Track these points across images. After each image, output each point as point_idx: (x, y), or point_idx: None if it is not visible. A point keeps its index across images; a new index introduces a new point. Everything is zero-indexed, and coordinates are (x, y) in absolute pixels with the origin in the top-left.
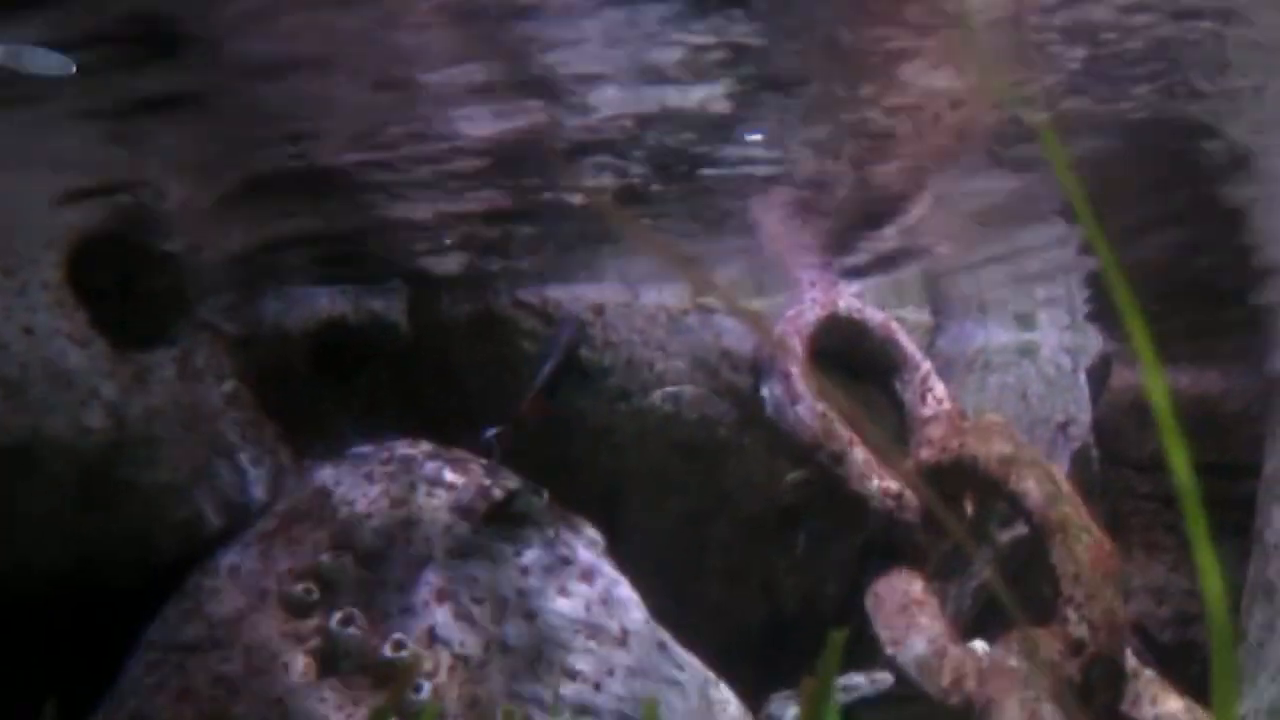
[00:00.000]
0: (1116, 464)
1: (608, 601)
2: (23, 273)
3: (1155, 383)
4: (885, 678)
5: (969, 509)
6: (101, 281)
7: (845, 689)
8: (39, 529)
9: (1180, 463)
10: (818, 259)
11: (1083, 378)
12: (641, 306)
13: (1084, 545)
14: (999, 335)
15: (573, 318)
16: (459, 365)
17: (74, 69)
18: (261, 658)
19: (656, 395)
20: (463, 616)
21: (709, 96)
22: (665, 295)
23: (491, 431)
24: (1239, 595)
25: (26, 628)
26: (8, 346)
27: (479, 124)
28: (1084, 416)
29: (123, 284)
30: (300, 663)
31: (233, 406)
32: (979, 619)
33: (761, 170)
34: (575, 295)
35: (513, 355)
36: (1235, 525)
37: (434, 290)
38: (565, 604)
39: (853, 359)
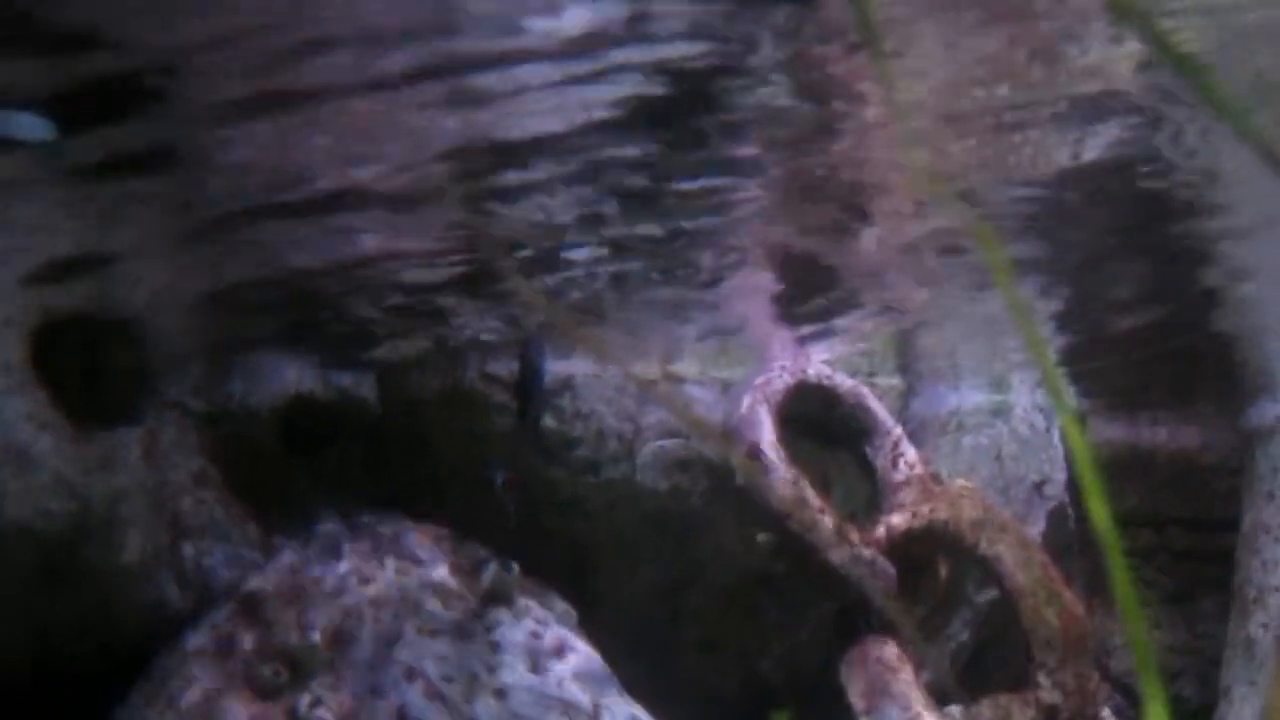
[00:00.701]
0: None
1: (581, 676)
2: None
3: (1072, 432)
4: None
5: (942, 573)
6: (65, 360)
7: None
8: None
9: (1099, 512)
10: (782, 326)
11: (1057, 436)
12: (611, 377)
13: (1055, 610)
14: (971, 397)
15: (535, 337)
16: (430, 440)
17: (56, 134)
18: None
19: (646, 450)
20: (434, 695)
21: None
22: (633, 365)
23: (501, 478)
24: (1220, 649)
25: None
26: None
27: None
28: (1059, 475)
29: (87, 362)
30: None
31: (199, 486)
32: (954, 684)
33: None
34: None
35: (483, 429)
36: (1215, 580)
37: (403, 365)
38: (537, 680)
39: (823, 425)
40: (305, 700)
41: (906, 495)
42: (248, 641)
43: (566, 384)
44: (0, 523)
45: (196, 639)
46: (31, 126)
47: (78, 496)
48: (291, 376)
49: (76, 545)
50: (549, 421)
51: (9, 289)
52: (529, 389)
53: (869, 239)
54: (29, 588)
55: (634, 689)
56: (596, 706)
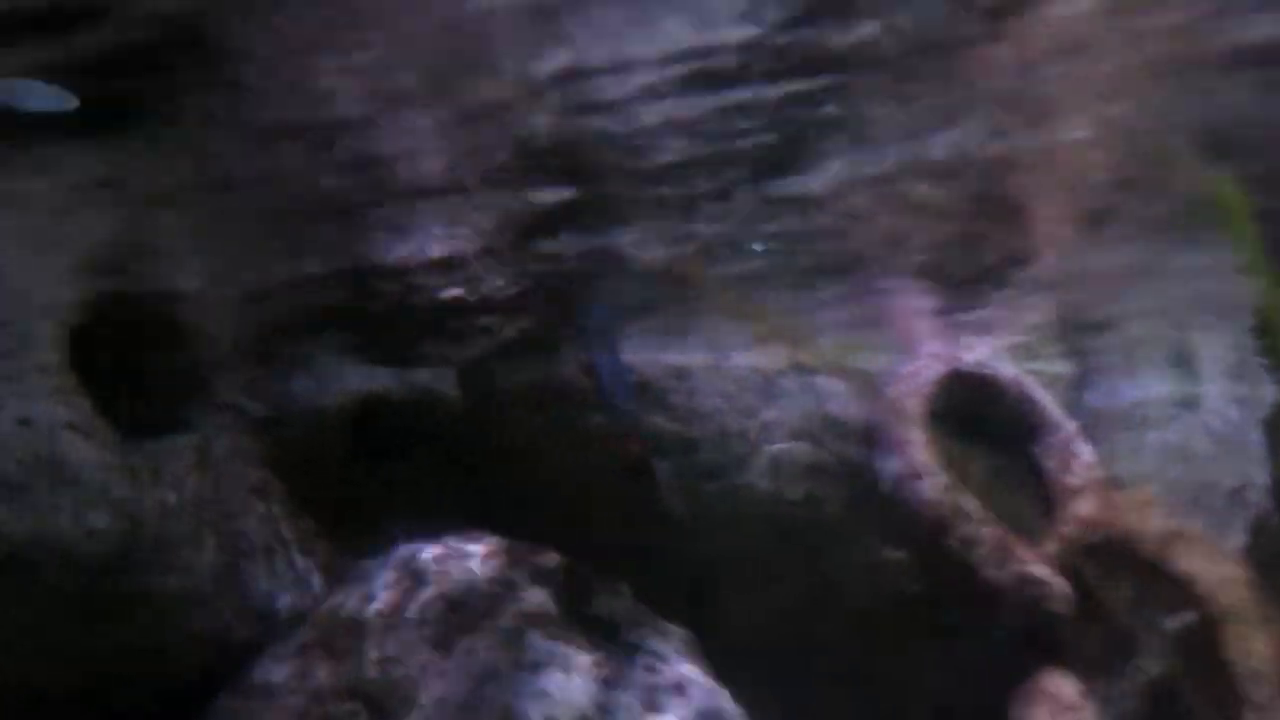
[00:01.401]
0: None
1: (703, 714)
2: (17, 356)
3: None
4: None
5: (1127, 596)
6: (107, 363)
7: None
8: (38, 646)
9: None
10: (934, 308)
11: (1257, 432)
12: (731, 369)
13: (1264, 637)
14: (1154, 386)
15: (598, 306)
16: (519, 443)
17: (75, 103)
18: None
19: (765, 453)
20: None
21: None
22: (757, 356)
23: (664, 471)
24: None
25: None
26: (2, 441)
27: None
28: (1260, 478)
29: (132, 365)
30: None
31: (260, 500)
32: None
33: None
34: (652, 359)
35: (580, 429)
36: None
37: (489, 358)
38: None
39: (982, 423)
40: None
41: (1082, 503)
42: (320, 676)
43: (681, 376)
44: (38, 543)
45: (263, 672)
46: (48, 97)
47: (124, 514)
48: (361, 374)
49: (124, 568)
50: (661, 420)
51: (47, 282)
52: (606, 380)
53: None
54: (72, 616)
55: None
56: None
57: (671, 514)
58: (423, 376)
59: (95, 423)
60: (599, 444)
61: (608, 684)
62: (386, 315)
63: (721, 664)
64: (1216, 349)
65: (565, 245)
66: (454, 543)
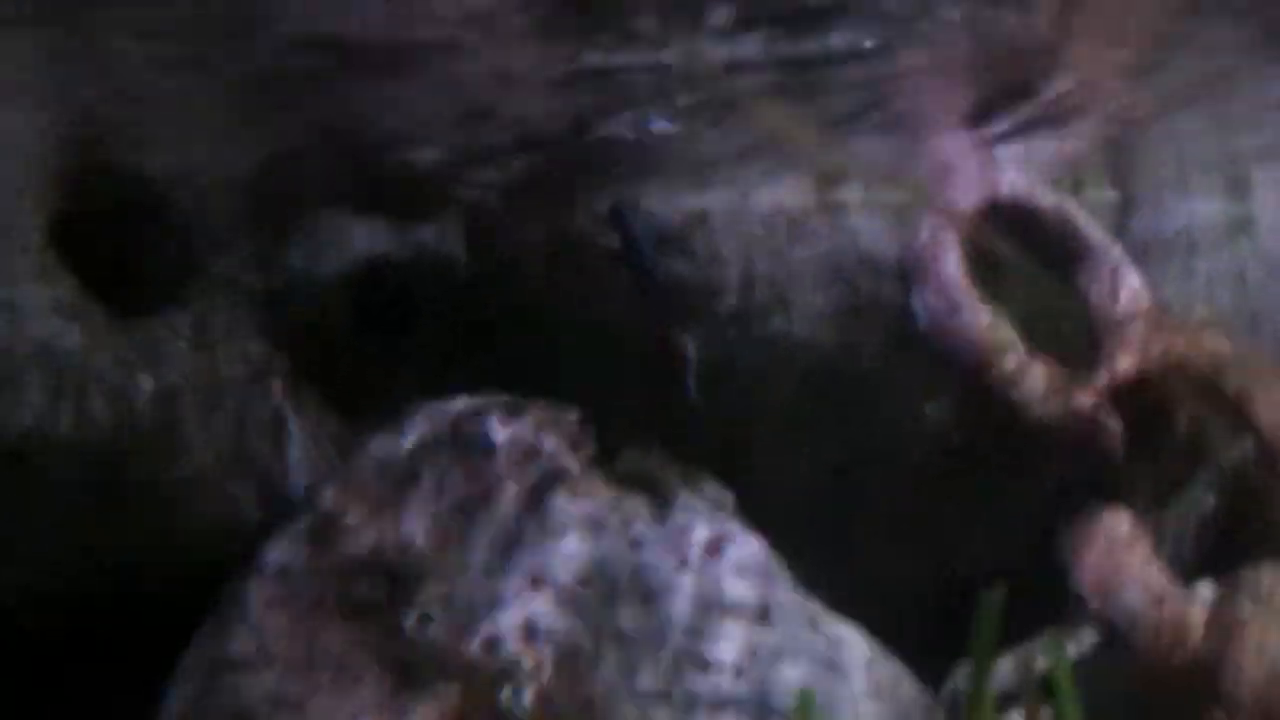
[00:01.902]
0: None
1: (742, 571)
2: None
3: None
4: (1091, 637)
5: (1181, 425)
6: (93, 238)
7: (1045, 653)
8: (44, 545)
9: None
10: (967, 128)
11: None
12: (755, 210)
13: None
14: (1205, 209)
15: (629, 203)
16: (534, 301)
17: None
18: (325, 672)
19: (794, 299)
20: (566, 603)
21: None
22: (782, 195)
23: (692, 347)
24: None
25: (42, 660)
26: None
27: None
28: None
29: (118, 239)
30: (372, 675)
31: (264, 375)
32: (1202, 560)
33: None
34: (671, 203)
35: (599, 284)
36: None
37: (496, 211)
38: (689, 579)
39: (1023, 253)
40: (411, 617)
41: (1132, 332)
42: (336, 553)
43: (701, 220)
44: (34, 436)
45: (276, 554)
46: None
47: (121, 399)
48: (362, 237)
49: (126, 456)
50: (682, 268)
51: (24, 153)
52: (636, 249)
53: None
54: (75, 509)
55: (809, 585)
56: (765, 605)
57: (695, 406)
58: (427, 235)
59: (84, 304)
60: (619, 302)
61: (639, 544)
62: (386, 172)
63: (757, 521)
64: (1272, 170)
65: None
66: (470, 407)
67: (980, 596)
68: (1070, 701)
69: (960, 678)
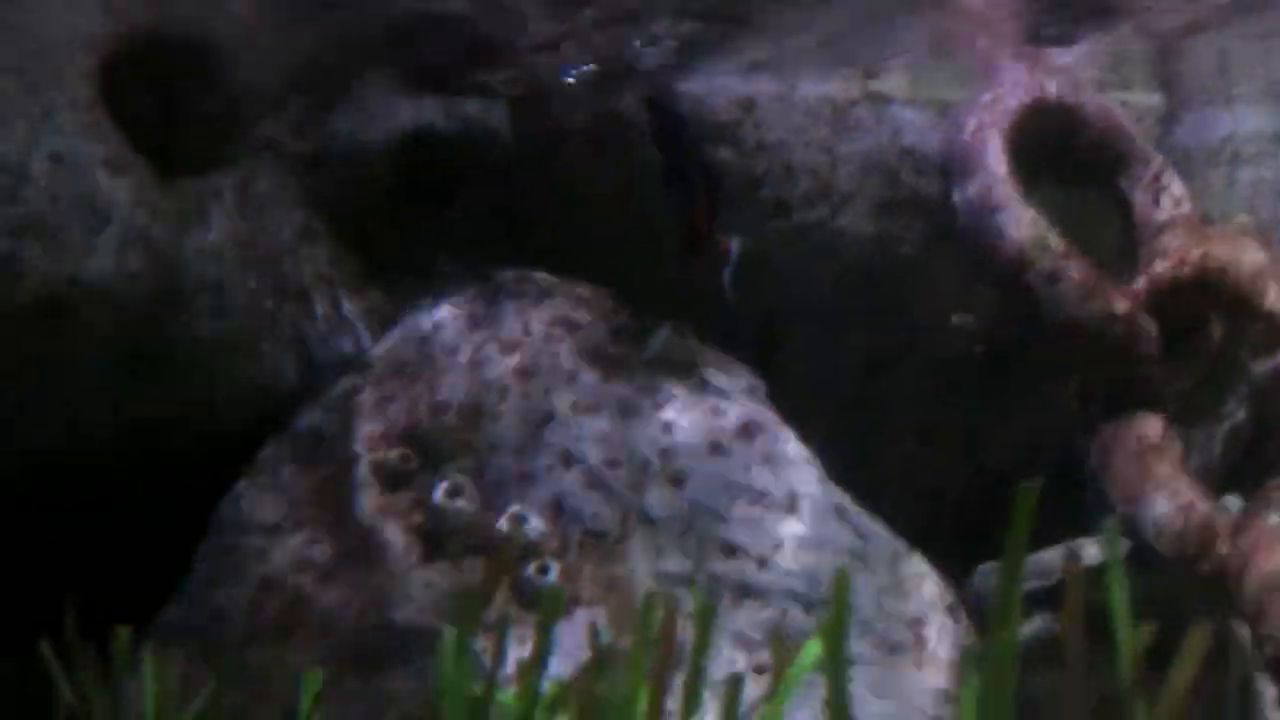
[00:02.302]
0: None
1: (771, 460)
2: (47, 90)
3: None
4: (1124, 541)
5: (1216, 334)
6: (140, 96)
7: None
8: (79, 397)
9: None
10: (1014, 30)
11: None
12: (800, 99)
13: None
14: (1249, 120)
15: (665, 91)
16: (574, 182)
17: None
18: (354, 539)
19: (835, 189)
20: (594, 484)
21: None
22: (828, 85)
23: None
24: None
25: (73, 515)
26: (34, 179)
27: None
28: None
29: (166, 97)
30: (400, 544)
31: (305, 241)
32: (1231, 470)
33: None
34: (716, 90)
35: (640, 167)
36: None
37: (540, 91)
38: (719, 465)
39: (1067, 155)
40: (441, 489)
41: (1172, 238)
42: (372, 423)
43: (746, 108)
44: (75, 289)
45: (310, 420)
46: None
47: (163, 256)
48: (407, 109)
49: (164, 313)
50: (726, 155)
51: (76, 11)
52: (670, 138)
53: None
54: (113, 366)
55: (837, 478)
56: (794, 496)
57: (731, 303)
58: (473, 109)
59: (130, 160)
60: (659, 186)
61: (670, 427)
62: (434, 42)
63: (788, 411)
64: None
65: None
66: (507, 282)
67: (1018, 487)
68: (1121, 590)
69: (982, 578)
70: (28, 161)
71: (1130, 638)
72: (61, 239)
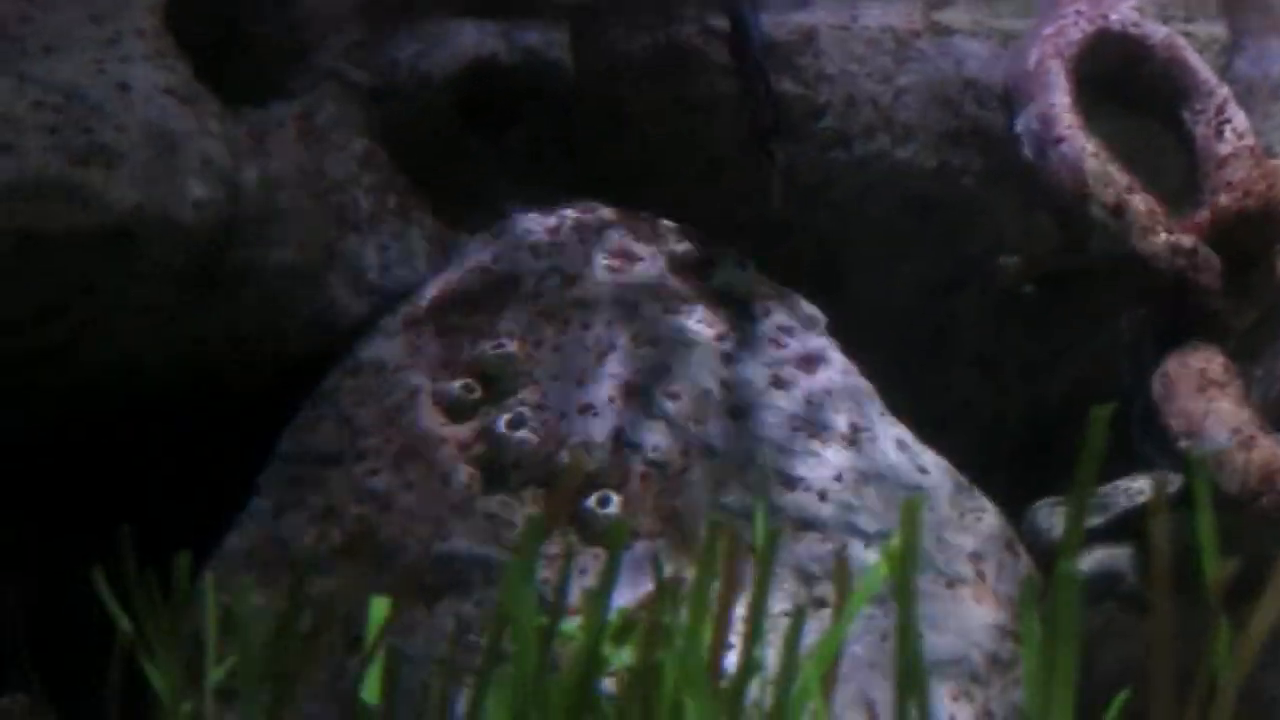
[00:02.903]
0: None
1: (833, 392)
2: (113, 18)
3: None
4: (1176, 478)
5: (1278, 269)
6: (204, 24)
7: (1128, 494)
8: (144, 323)
9: None
10: None
11: None
12: (862, 30)
13: None
14: None
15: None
16: (636, 112)
17: None
18: (414, 469)
19: (897, 120)
20: (656, 415)
21: None
22: (890, 16)
23: (781, 156)
24: None
25: (133, 440)
26: (101, 107)
27: None
28: None
29: (228, 26)
30: (461, 474)
31: (367, 171)
32: None
33: None
34: (779, 19)
35: (702, 97)
36: None
37: (602, 20)
38: (780, 397)
39: (1129, 86)
40: (504, 420)
41: (1235, 170)
42: (434, 352)
43: (808, 37)
44: (141, 214)
45: (372, 349)
46: None
47: (228, 184)
48: (469, 37)
49: (228, 241)
50: (788, 85)
51: None
52: (745, 43)
53: None
54: (177, 291)
55: (897, 411)
56: (855, 428)
57: (782, 217)
58: (535, 39)
59: (195, 89)
60: (723, 116)
61: (731, 358)
62: None
63: (848, 344)
64: None
65: None
66: (568, 215)
67: (1092, 410)
68: (1207, 514)
69: (1041, 515)
70: (94, 90)
71: (1216, 570)
72: (128, 167)
